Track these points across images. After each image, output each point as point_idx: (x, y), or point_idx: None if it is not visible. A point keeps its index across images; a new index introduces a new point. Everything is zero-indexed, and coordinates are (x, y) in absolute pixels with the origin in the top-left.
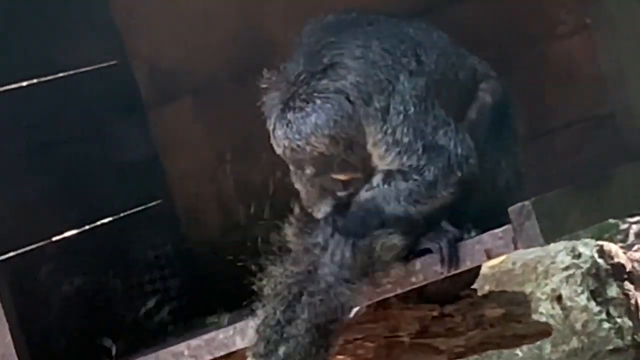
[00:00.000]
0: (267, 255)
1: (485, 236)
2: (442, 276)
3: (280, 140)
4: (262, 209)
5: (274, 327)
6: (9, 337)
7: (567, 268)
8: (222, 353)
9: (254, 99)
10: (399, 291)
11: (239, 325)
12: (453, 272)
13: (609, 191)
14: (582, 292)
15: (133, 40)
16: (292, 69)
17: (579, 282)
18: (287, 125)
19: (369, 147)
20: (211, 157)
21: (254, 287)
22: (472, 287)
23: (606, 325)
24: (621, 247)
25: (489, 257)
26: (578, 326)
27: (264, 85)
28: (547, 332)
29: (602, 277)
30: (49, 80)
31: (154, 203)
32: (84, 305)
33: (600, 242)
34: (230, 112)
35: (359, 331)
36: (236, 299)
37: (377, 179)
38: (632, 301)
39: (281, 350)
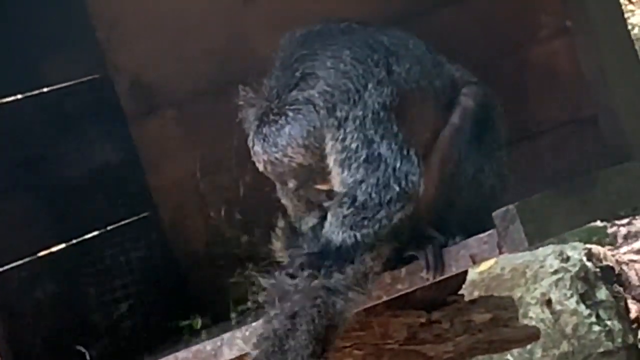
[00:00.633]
0: (254, 266)
1: (470, 241)
2: (428, 282)
3: (260, 155)
4: (246, 219)
5: (273, 339)
6: None
7: (556, 272)
8: None
9: (236, 111)
10: (386, 298)
11: (226, 336)
12: (439, 277)
13: (593, 193)
14: (572, 296)
15: (114, 54)
16: (267, 84)
17: (568, 286)
18: (264, 140)
19: (327, 157)
20: (195, 169)
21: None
22: (459, 292)
23: (596, 328)
24: (609, 250)
25: (474, 262)
26: (568, 330)
27: (240, 102)
28: (535, 335)
29: (591, 280)
30: (31, 96)
31: (139, 216)
32: (68, 318)
33: (588, 246)
34: (213, 124)
35: (347, 339)
36: (215, 308)
37: (326, 220)
38: (622, 303)
39: None
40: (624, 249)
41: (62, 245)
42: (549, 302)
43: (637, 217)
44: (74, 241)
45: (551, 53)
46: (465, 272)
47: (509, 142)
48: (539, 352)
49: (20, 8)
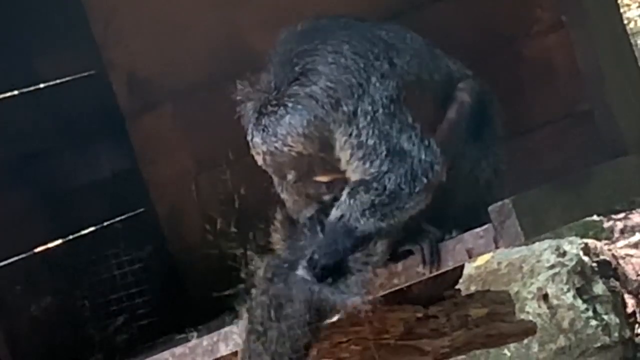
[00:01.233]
0: (251, 261)
1: (466, 235)
2: (425, 277)
3: (259, 147)
4: (245, 216)
5: (259, 332)
6: None
7: (552, 267)
8: None
9: (233, 107)
10: (382, 293)
11: (223, 331)
12: (435, 272)
13: (588, 188)
14: (568, 290)
15: (110, 50)
16: (266, 78)
17: (564, 281)
18: (263, 131)
19: (337, 152)
20: (191, 165)
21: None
22: (456, 287)
23: (593, 322)
24: (606, 244)
25: (471, 257)
26: (565, 324)
27: (238, 97)
28: (532, 330)
29: (587, 275)
30: (27, 92)
31: (135, 212)
32: (64, 313)
33: (585, 240)
34: (209, 119)
35: (344, 334)
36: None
37: (344, 194)
38: (618, 298)
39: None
40: (621, 243)
41: (59, 242)
42: (545, 297)
43: (633, 211)
44: (70, 237)
45: (546, 47)
46: (462, 267)
47: (505, 136)
48: (535, 347)
49: (16, 4)
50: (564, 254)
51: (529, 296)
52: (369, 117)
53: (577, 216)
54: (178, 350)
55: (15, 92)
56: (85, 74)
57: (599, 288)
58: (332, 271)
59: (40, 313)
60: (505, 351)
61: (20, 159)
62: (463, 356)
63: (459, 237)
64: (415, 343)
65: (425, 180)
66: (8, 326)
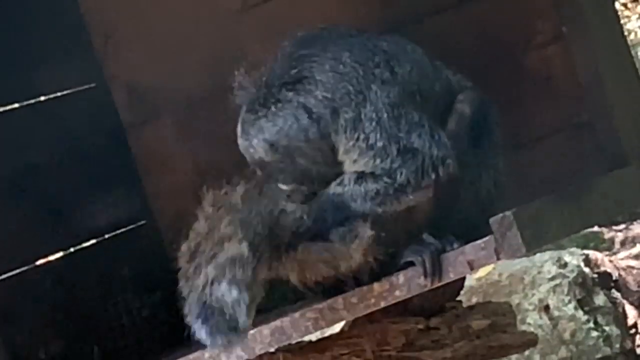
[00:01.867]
0: None
1: (468, 247)
2: (426, 289)
3: (238, 138)
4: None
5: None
6: None
7: (553, 278)
8: None
9: (234, 118)
10: (384, 305)
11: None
12: (437, 284)
13: (589, 199)
14: (570, 302)
15: (111, 62)
16: (262, 74)
17: (566, 292)
18: (242, 124)
19: (341, 156)
20: (193, 176)
21: None
22: (457, 299)
23: (594, 333)
24: (607, 256)
25: (472, 268)
26: (566, 335)
27: (235, 84)
28: (533, 341)
29: (588, 286)
30: (27, 105)
31: (137, 224)
32: (65, 326)
33: (586, 251)
34: (210, 131)
35: (345, 346)
36: None
37: (348, 178)
38: (620, 309)
39: None
40: (622, 254)
41: (60, 254)
42: (546, 308)
43: (634, 222)
44: (72, 249)
45: (547, 59)
46: (463, 279)
47: (506, 148)
48: (537, 358)
49: (16, 17)
50: (565, 265)
51: (530, 307)
52: (374, 123)
53: (578, 228)
54: None
55: (16, 105)
56: (86, 86)
57: (600, 299)
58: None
59: (42, 325)
60: None
61: (21, 171)
62: None
63: (461, 249)
64: (416, 355)
65: (433, 176)
66: (9, 339)
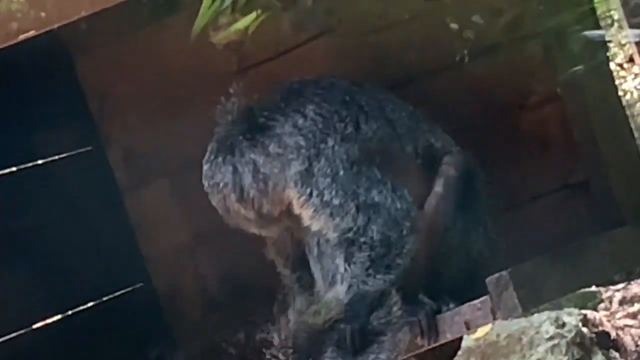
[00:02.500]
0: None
1: (464, 307)
2: (423, 349)
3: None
4: (244, 290)
5: None
6: None
7: (551, 338)
8: None
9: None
10: None
11: None
12: (433, 344)
13: (586, 259)
14: None
15: (107, 125)
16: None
17: (564, 352)
18: (205, 170)
19: (296, 209)
20: (189, 240)
21: None
22: (454, 359)
23: None
24: (605, 315)
25: (469, 328)
26: None
27: (215, 117)
28: None
29: (587, 346)
30: (25, 168)
31: (134, 287)
32: None
33: (584, 311)
34: (206, 193)
35: None
36: None
37: (338, 262)
38: None
39: None
40: (620, 314)
41: (58, 317)
42: None
43: (632, 282)
44: (69, 312)
45: (542, 119)
46: (460, 339)
47: (502, 207)
48: None
49: (13, 81)
50: (563, 325)
51: None
52: (328, 179)
53: (574, 287)
54: None
55: (14, 169)
56: (83, 149)
57: (598, 359)
58: (361, 339)
59: None
60: None
61: (18, 234)
62: None
63: (457, 309)
64: None
65: (407, 224)
66: None
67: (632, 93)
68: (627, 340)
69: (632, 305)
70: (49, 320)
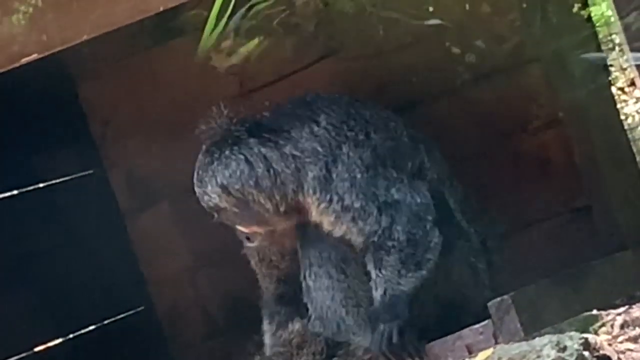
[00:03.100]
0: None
1: (466, 331)
2: None
3: (194, 186)
4: (245, 311)
5: None
6: None
7: None
8: None
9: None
10: None
11: None
12: None
13: (587, 283)
14: None
15: (109, 149)
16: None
17: None
18: (197, 171)
19: (315, 217)
20: (190, 262)
21: None
22: None
23: None
24: (606, 340)
25: (470, 352)
26: None
27: (209, 119)
28: None
29: None
30: (27, 191)
31: (135, 310)
32: None
33: (585, 335)
34: (207, 216)
35: None
36: None
37: (370, 269)
38: None
39: None
40: (621, 337)
41: (59, 340)
42: None
43: (633, 306)
44: (71, 335)
45: (544, 143)
46: None
47: (504, 232)
48: None
49: (17, 106)
50: (565, 349)
51: None
52: (347, 183)
53: (575, 311)
54: None
55: (16, 192)
56: (85, 173)
57: None
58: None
59: None
60: None
61: (20, 257)
62: None
63: (459, 334)
64: None
65: (429, 217)
66: None
67: (633, 117)
68: None
69: (634, 329)
70: (50, 344)
